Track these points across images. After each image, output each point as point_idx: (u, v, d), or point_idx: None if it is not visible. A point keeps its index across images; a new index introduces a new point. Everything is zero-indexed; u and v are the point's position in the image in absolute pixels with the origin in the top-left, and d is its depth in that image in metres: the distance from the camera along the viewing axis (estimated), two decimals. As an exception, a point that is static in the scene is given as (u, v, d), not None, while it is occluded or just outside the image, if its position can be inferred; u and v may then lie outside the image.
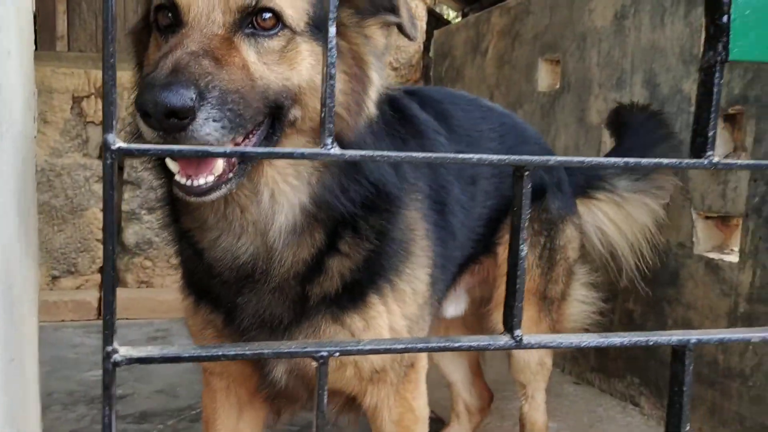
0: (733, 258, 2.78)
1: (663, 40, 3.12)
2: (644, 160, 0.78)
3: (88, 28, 5.74)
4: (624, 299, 3.32)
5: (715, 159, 0.76)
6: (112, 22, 0.57)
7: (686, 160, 0.77)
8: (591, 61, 3.59)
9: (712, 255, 2.88)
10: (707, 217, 2.93)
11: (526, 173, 0.71)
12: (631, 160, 0.77)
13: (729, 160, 0.82)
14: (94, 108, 4.77)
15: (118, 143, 0.59)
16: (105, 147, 0.59)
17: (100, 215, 4.72)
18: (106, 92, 0.57)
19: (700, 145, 0.76)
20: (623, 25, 3.38)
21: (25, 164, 1.49)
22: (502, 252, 2.24)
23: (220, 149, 0.66)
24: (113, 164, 0.59)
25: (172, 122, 1.14)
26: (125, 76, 1.64)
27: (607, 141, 3.37)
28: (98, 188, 4.77)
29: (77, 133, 4.77)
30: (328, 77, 0.64)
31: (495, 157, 0.71)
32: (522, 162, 0.71)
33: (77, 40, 5.74)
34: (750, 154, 2.69)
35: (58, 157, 4.72)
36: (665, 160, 0.78)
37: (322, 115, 0.64)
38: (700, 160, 0.76)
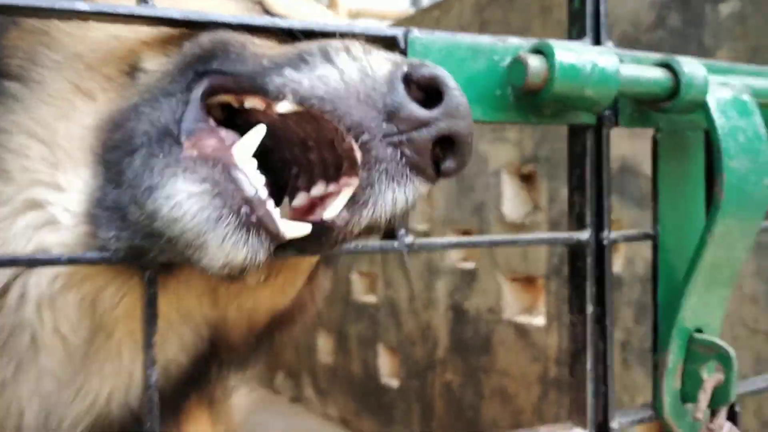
0: (540, 321, 2.68)
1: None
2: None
3: None
4: (442, 370, 3.14)
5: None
6: None
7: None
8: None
9: (520, 319, 2.78)
10: (513, 279, 2.84)
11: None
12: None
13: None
14: None
15: None
16: None
17: None
18: None
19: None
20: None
21: None
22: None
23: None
24: None
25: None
26: None
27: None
28: None
29: None
30: None
31: None
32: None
33: None
34: (546, 213, 2.65)
35: None
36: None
37: None
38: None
